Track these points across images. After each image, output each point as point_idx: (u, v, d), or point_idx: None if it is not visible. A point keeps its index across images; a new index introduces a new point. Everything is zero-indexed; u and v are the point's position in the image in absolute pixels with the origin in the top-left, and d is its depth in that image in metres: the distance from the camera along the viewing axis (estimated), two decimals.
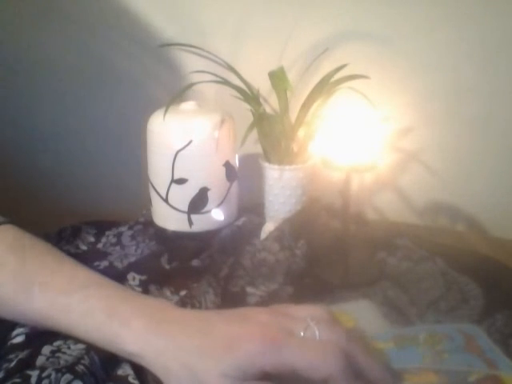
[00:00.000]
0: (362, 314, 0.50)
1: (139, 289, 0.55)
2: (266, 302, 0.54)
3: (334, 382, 0.36)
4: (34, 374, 0.39)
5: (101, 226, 0.70)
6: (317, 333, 0.39)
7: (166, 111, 0.63)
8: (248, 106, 0.68)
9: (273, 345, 0.37)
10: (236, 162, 0.69)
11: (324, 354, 0.37)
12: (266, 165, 0.68)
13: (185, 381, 0.38)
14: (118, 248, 0.66)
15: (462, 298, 0.54)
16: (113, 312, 0.42)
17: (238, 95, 0.67)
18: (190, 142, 0.63)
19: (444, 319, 0.51)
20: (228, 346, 0.38)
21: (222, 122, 0.64)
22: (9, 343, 0.45)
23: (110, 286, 0.46)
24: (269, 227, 0.67)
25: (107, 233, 0.69)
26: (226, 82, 0.67)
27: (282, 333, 0.38)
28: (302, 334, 0.39)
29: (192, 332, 0.40)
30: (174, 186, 0.65)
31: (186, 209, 0.65)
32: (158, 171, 0.66)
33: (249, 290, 0.56)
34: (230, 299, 0.54)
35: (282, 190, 0.67)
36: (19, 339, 0.45)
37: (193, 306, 0.50)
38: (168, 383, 0.39)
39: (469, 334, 0.45)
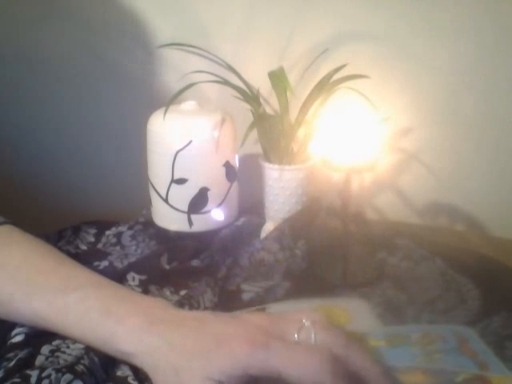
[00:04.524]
0: (356, 312, 0.50)
1: (139, 289, 0.55)
2: (261, 297, 0.54)
3: None
4: (34, 373, 0.39)
5: (101, 226, 0.70)
6: (312, 335, 0.37)
7: (165, 111, 0.63)
8: (248, 106, 0.68)
9: (259, 347, 0.36)
10: (236, 162, 0.69)
11: (312, 360, 0.35)
12: (266, 165, 0.68)
13: (171, 381, 0.38)
14: (118, 248, 0.66)
15: (460, 299, 0.54)
16: (109, 311, 0.42)
17: (238, 95, 0.67)
18: (190, 142, 0.63)
19: (439, 320, 0.51)
20: (215, 348, 0.37)
21: (222, 121, 0.64)
22: (8, 342, 0.45)
23: (108, 286, 0.46)
24: (269, 227, 0.67)
25: (107, 233, 0.69)
26: (226, 82, 0.67)
27: (272, 336, 0.37)
28: (295, 335, 0.38)
29: (185, 332, 0.40)
30: (174, 185, 0.65)
31: (186, 209, 0.65)
32: (158, 171, 0.66)
33: (244, 286, 0.56)
34: (226, 297, 0.54)
35: (282, 190, 0.67)
36: (19, 338, 0.45)
37: (191, 306, 0.50)
38: (155, 382, 0.39)
39: (462, 336, 0.45)
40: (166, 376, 0.38)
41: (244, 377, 0.36)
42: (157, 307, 0.43)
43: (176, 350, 0.39)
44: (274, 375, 0.35)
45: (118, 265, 0.61)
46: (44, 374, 0.39)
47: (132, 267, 0.59)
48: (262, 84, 0.70)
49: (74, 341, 0.44)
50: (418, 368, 0.41)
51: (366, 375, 0.37)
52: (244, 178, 0.70)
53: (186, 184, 0.64)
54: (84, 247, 0.66)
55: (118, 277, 0.55)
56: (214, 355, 0.37)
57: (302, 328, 0.38)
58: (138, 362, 0.41)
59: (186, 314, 0.44)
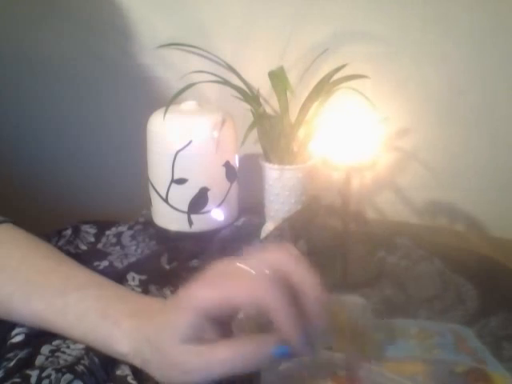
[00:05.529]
0: (356, 309, 0.50)
1: (139, 289, 0.55)
2: None
3: (273, 311, 0.35)
4: (34, 373, 0.39)
5: (101, 226, 0.70)
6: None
7: (165, 111, 0.63)
8: (248, 106, 0.68)
9: (207, 283, 0.37)
10: (236, 162, 0.69)
11: (257, 282, 0.35)
12: (266, 165, 0.68)
13: (163, 366, 0.38)
14: (118, 248, 0.66)
15: (458, 299, 0.54)
16: (107, 312, 0.42)
17: (238, 95, 0.67)
18: (190, 142, 0.63)
19: (437, 320, 0.51)
20: (173, 311, 0.38)
21: (222, 122, 0.64)
22: (8, 342, 0.45)
23: (107, 287, 0.46)
24: (269, 227, 0.67)
25: (107, 233, 0.69)
26: (226, 82, 0.67)
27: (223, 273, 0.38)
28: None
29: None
30: (174, 185, 0.65)
31: (186, 209, 0.65)
32: (158, 171, 0.66)
33: None
34: None
35: (281, 190, 0.67)
36: (19, 338, 0.45)
37: None
38: (154, 376, 0.39)
39: (459, 334, 0.45)
40: (160, 364, 0.38)
41: (212, 321, 0.37)
42: (155, 307, 0.43)
43: (153, 336, 0.39)
44: (227, 307, 0.36)
45: (118, 265, 0.61)
46: (44, 374, 0.39)
47: (132, 267, 0.59)
48: (262, 84, 0.70)
49: (74, 341, 0.44)
50: (417, 358, 0.41)
51: (303, 287, 0.36)
52: (244, 178, 0.70)
53: (186, 184, 0.64)
54: (84, 247, 0.66)
55: (118, 277, 0.55)
56: (171, 318, 0.38)
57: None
58: (135, 361, 0.41)
59: None
